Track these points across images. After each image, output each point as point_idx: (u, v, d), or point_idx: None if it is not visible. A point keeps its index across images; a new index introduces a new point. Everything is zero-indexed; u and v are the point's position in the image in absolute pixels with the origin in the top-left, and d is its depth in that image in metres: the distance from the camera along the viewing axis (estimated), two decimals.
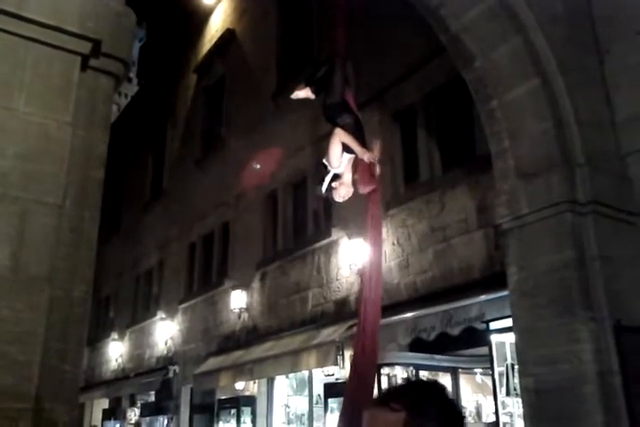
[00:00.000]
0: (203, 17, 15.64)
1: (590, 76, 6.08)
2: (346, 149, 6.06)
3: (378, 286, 6.13)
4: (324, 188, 6.35)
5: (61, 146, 2.80)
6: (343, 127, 6.12)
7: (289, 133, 11.06)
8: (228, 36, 14.18)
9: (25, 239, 2.62)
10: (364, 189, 6.28)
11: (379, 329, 6.02)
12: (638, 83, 5.93)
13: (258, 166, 6.38)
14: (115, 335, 16.91)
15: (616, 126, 5.98)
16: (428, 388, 1.49)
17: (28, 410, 2.47)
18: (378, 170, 6.20)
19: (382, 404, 1.42)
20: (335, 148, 6.07)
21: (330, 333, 8.76)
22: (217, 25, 15.07)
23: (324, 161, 6.25)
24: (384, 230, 8.58)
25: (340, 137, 6.05)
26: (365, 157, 6.01)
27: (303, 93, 6.76)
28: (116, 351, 16.72)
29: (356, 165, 6.30)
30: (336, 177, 6.27)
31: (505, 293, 5.98)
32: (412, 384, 1.59)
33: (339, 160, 6.12)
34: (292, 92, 6.95)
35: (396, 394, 1.45)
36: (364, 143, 6.16)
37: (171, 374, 13.33)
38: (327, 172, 6.31)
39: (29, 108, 2.77)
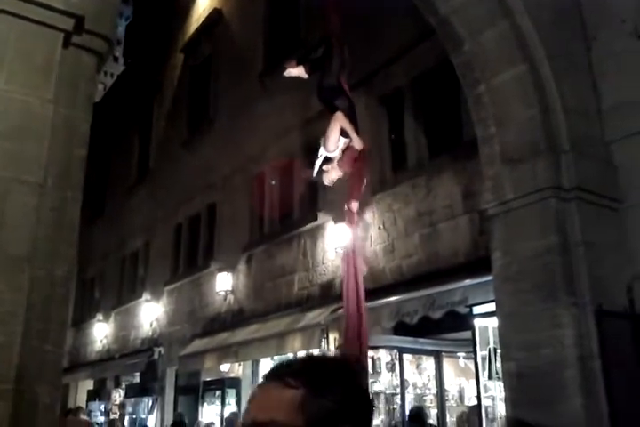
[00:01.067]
0: None
1: (577, 63, 6.08)
2: (342, 133, 6.06)
3: (358, 271, 6.14)
4: (314, 171, 6.35)
5: (43, 124, 2.76)
6: (342, 111, 6.11)
7: (276, 116, 10.99)
8: (215, 16, 14.01)
9: (5, 219, 2.58)
10: (348, 173, 6.30)
11: (365, 313, 6.04)
12: (624, 70, 5.93)
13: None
14: (100, 316, 16.88)
15: (602, 113, 5.99)
16: (336, 366, 1.21)
17: (8, 391, 2.46)
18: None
19: (277, 378, 1.17)
20: (334, 131, 6.06)
21: (315, 316, 8.80)
22: (204, 4, 14.88)
23: (321, 143, 6.24)
24: (370, 215, 8.61)
25: (340, 121, 6.04)
26: (358, 143, 6.03)
27: (296, 71, 6.68)
28: (102, 332, 16.70)
29: (346, 149, 6.30)
30: (327, 160, 6.25)
31: (489, 277, 6.02)
32: (317, 360, 1.24)
33: (335, 144, 6.13)
34: (279, 72, 6.89)
35: (295, 369, 1.19)
36: (357, 128, 6.16)
37: (156, 356, 13.34)
38: (317, 155, 6.30)
39: (10, 86, 2.73)
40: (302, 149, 10.31)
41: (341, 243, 8.66)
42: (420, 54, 8.20)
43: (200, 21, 14.64)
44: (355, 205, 6.35)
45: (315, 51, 6.71)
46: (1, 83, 2.73)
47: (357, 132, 6.13)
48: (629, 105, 5.80)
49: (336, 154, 6.22)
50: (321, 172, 6.30)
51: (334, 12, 6.88)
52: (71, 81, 2.96)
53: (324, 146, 6.14)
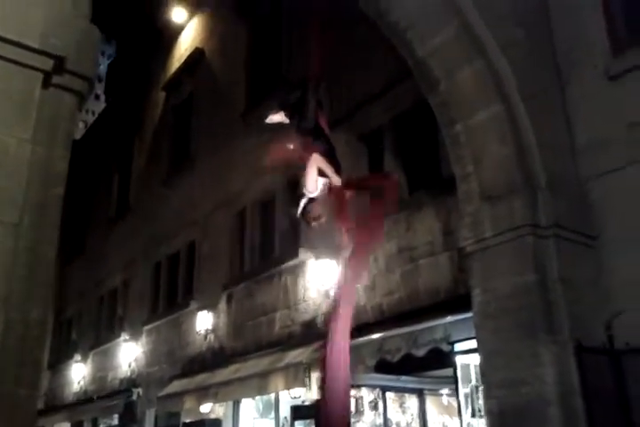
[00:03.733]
0: (172, 35, 15.66)
1: (551, 102, 6.23)
2: (320, 173, 6.15)
3: (349, 307, 6.10)
4: (299, 211, 6.40)
5: (19, 163, 2.75)
6: (319, 152, 6.20)
7: (258, 153, 11.04)
8: (197, 55, 14.20)
9: None
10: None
11: (349, 349, 5.97)
12: (597, 110, 6.09)
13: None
14: (77, 357, 16.53)
15: (576, 151, 6.12)
16: None
17: None
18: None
19: None
20: (312, 172, 6.15)
21: (297, 354, 8.69)
22: (186, 43, 15.09)
23: (302, 186, 6.31)
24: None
25: (316, 162, 6.13)
26: (337, 181, 6.11)
27: (277, 117, 6.81)
28: (79, 373, 16.33)
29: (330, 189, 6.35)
30: (311, 201, 6.31)
31: (470, 314, 6.02)
32: None
33: (314, 185, 6.20)
34: (261, 111, 6.99)
35: None
36: (337, 167, 6.25)
37: (134, 397, 13.05)
38: (302, 195, 6.35)
39: None
40: (283, 186, 10.35)
41: (323, 280, 8.63)
42: (400, 93, 8.34)
43: (182, 60, 14.83)
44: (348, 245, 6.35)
45: (291, 95, 6.84)
46: None
47: (339, 172, 6.21)
48: (602, 143, 5.94)
49: (317, 194, 6.29)
50: (305, 212, 6.36)
51: (315, 49, 7.03)
52: (51, 120, 2.96)
53: (305, 187, 6.21)
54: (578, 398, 5.11)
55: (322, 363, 5.85)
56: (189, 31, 15.14)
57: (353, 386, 8.22)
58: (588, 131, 6.10)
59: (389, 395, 8.63)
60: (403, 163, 8.52)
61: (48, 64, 2.91)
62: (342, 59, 9.38)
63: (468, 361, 7.04)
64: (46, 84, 2.96)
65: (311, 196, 6.30)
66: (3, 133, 2.74)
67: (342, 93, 9.25)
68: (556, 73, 6.43)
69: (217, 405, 10.84)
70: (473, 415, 7.10)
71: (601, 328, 5.46)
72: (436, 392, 8.97)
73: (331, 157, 6.28)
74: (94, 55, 3.19)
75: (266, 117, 6.94)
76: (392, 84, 8.45)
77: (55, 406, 16.88)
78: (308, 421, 8.66)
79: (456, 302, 6.77)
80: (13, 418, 2.56)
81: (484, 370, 5.69)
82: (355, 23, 9.07)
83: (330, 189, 6.34)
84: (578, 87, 6.28)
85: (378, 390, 8.48)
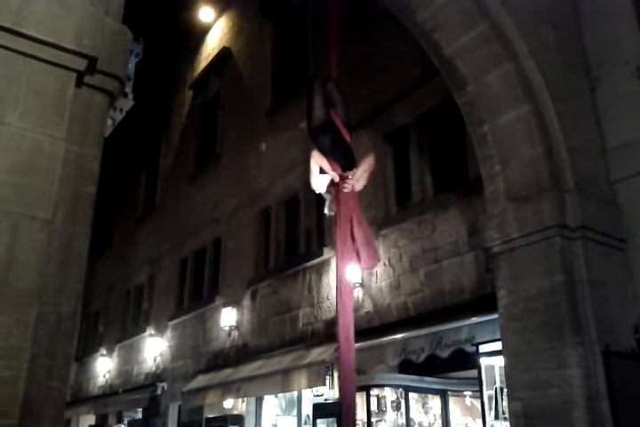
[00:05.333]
0: (200, 34, 15.78)
1: (581, 104, 6.17)
2: (322, 170, 6.19)
3: (348, 311, 6.13)
4: (326, 209, 6.45)
5: (54, 161, 2.81)
6: (320, 149, 6.24)
7: (282, 151, 11.11)
8: (224, 54, 14.30)
9: (15, 254, 2.61)
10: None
11: (353, 353, 6.01)
12: (628, 111, 6.02)
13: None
14: (103, 351, 16.76)
15: (606, 153, 6.05)
16: None
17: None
18: (359, 186, 6.29)
19: None
20: (313, 170, 6.19)
21: (320, 352, 8.72)
22: (214, 43, 15.20)
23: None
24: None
25: (314, 159, 6.18)
26: (334, 176, 6.13)
27: (304, 125, 6.87)
28: (104, 367, 16.55)
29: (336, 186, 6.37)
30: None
31: (495, 316, 5.98)
32: None
33: (318, 182, 6.25)
34: (286, 110, 7.05)
35: None
36: (349, 161, 6.24)
37: (159, 391, 13.19)
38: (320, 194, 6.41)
39: (23, 123, 2.78)
40: (308, 184, 10.38)
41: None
42: (427, 92, 8.32)
43: (209, 59, 14.94)
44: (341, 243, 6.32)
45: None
46: (15, 119, 2.79)
47: (352, 163, 6.25)
48: (633, 145, 5.87)
49: (324, 190, 6.34)
50: (332, 209, 6.41)
51: (333, 47, 7.07)
52: (83, 119, 3.02)
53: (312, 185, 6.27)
54: (604, 402, 5.06)
55: (338, 363, 5.93)
56: (217, 30, 15.24)
57: (376, 386, 8.25)
58: (617, 132, 6.03)
59: (412, 395, 8.59)
60: (428, 162, 8.50)
61: (81, 64, 2.96)
62: (368, 57, 9.38)
63: (493, 363, 6.99)
64: (79, 83, 3.02)
65: (319, 192, 6.36)
66: (37, 132, 2.80)
67: (367, 92, 9.25)
68: (586, 74, 6.36)
69: (240, 401, 10.93)
70: (496, 418, 7.05)
71: (629, 331, 5.40)
72: (459, 393, 8.92)
73: (339, 151, 6.28)
74: (125, 56, 3.24)
75: (295, 126, 7.02)
76: (418, 82, 8.43)
77: (81, 398, 17.14)
78: (330, 419, 8.68)
79: (481, 302, 6.74)
80: (44, 409, 2.62)
81: (509, 371, 5.66)
82: (381, 21, 9.07)
83: (332, 184, 6.37)
84: (608, 88, 6.21)
85: (401, 390, 8.46)
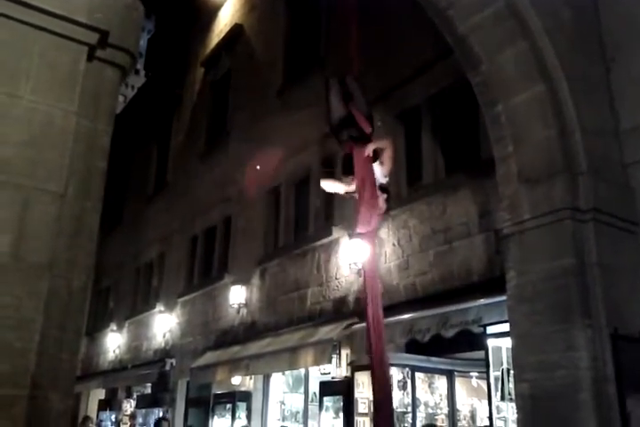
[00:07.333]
0: (212, 11, 15.65)
1: (596, 84, 6.08)
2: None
3: (376, 289, 6.12)
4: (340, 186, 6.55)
5: (66, 135, 2.81)
6: (340, 143, 6.34)
7: (293, 131, 11.06)
8: (236, 31, 14.18)
9: (26, 227, 2.62)
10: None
11: (383, 330, 5.99)
12: None
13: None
14: (113, 326, 16.96)
15: (620, 135, 5.97)
16: None
17: (23, 397, 2.48)
18: (386, 170, 6.29)
19: None
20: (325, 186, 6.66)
21: (327, 331, 8.78)
22: (226, 19, 15.07)
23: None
24: (385, 231, 8.61)
25: (325, 188, 6.66)
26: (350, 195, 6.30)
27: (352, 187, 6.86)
28: (114, 342, 16.75)
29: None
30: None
31: (504, 297, 5.98)
32: None
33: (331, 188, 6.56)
34: (297, 88, 7.02)
35: None
36: (373, 155, 6.25)
37: (167, 367, 13.35)
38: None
39: (35, 96, 2.78)
40: (318, 163, 10.36)
41: (356, 259, 8.65)
42: (439, 72, 8.23)
43: (221, 36, 14.82)
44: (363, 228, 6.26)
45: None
46: (27, 93, 2.78)
47: (377, 156, 6.25)
48: None
49: (352, 187, 6.36)
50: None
51: (351, 38, 7.02)
52: (94, 94, 3.01)
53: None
54: (611, 385, 5.06)
55: (366, 333, 5.92)
56: (229, 7, 15.10)
57: None
58: (632, 114, 5.95)
59: (419, 375, 8.63)
60: (440, 143, 8.44)
61: (93, 38, 2.94)
62: (380, 36, 9.27)
63: (500, 344, 7.01)
64: (90, 57, 3.00)
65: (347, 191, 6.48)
66: (49, 105, 2.80)
67: (380, 71, 9.16)
68: (602, 55, 6.26)
69: (248, 378, 11.04)
70: (502, 399, 7.08)
71: (638, 315, 5.39)
72: (465, 374, 8.96)
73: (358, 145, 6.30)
74: (137, 30, 3.22)
75: (297, 91, 7.03)
76: (431, 62, 8.33)
77: (91, 372, 17.37)
78: (336, 397, 8.75)
79: (490, 284, 6.74)
80: (55, 381, 2.65)
81: (516, 353, 5.67)
82: (393, 1, 8.94)
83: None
84: (624, 69, 6.11)
85: (407, 369, 8.49)
